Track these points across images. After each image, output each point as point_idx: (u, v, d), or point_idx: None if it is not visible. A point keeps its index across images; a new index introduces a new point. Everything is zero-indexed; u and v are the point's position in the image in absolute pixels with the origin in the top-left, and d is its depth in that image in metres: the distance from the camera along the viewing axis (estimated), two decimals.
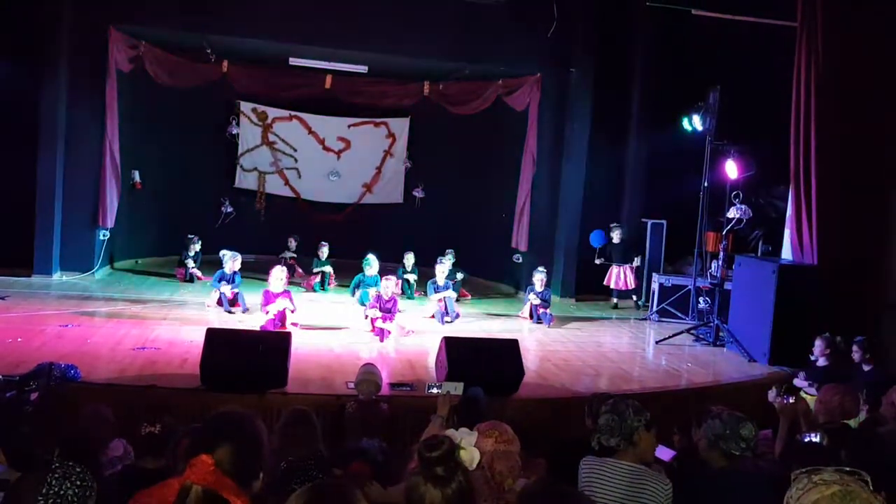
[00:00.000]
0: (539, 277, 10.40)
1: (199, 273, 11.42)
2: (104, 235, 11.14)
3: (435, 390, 3.84)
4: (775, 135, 9.39)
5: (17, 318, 8.04)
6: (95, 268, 10.94)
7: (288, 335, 6.75)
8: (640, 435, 3.54)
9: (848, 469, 1.74)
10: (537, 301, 10.22)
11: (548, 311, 10.14)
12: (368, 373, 5.73)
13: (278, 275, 8.62)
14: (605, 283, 11.62)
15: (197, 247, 11.62)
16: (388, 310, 8.72)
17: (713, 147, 9.64)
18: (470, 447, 2.25)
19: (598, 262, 11.56)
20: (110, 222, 11.14)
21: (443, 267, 10.45)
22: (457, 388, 3.87)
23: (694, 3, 10.59)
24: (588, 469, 3.42)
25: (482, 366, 6.63)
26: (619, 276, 11.46)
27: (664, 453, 4.56)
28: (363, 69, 12.86)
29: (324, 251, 11.86)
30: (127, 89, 11.29)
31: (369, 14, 11.10)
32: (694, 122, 9.88)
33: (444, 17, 11.35)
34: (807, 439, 4.20)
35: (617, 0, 11.65)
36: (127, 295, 9.88)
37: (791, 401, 5.11)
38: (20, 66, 9.94)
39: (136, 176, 12.23)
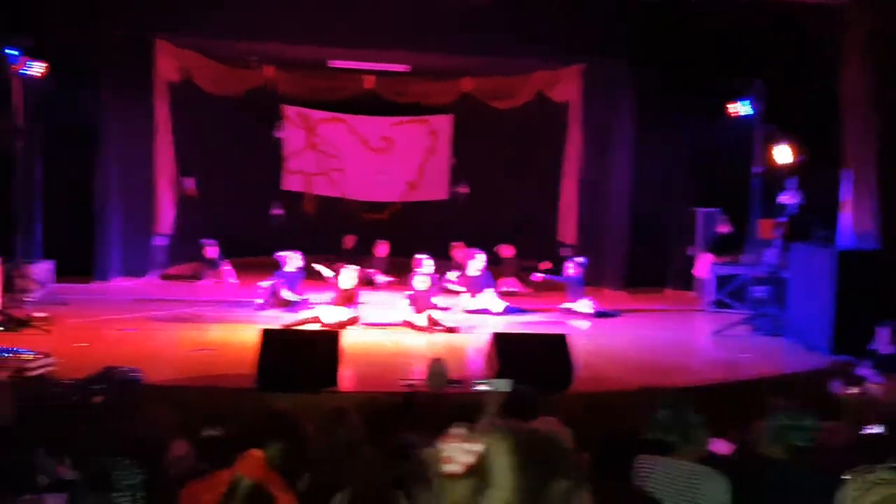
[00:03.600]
0: (569, 265, 10.29)
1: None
2: (160, 241, 11.43)
3: (482, 387, 3.80)
4: (827, 117, 9.11)
5: (78, 323, 8.32)
6: (153, 272, 11.23)
7: (337, 334, 6.82)
8: (697, 433, 3.47)
9: None
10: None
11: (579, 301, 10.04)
12: (438, 366, 5.86)
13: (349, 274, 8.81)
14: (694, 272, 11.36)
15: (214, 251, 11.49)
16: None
17: (762, 133, 9.38)
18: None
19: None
20: (166, 228, 11.44)
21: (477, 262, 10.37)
22: (504, 385, 3.83)
23: None
24: (643, 468, 3.36)
25: (533, 360, 6.61)
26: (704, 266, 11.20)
27: (721, 446, 4.46)
28: (404, 68, 12.93)
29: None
30: (177, 98, 11.55)
31: (407, 12, 11.10)
32: (742, 108, 9.64)
33: (482, 11, 11.28)
34: (867, 431, 4.07)
35: None
36: (182, 298, 10.09)
37: (855, 391, 4.97)
38: (73, 80, 10.20)
39: (190, 183, 12.49)
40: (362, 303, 9.16)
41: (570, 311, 9.99)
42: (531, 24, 11.27)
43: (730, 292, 10.51)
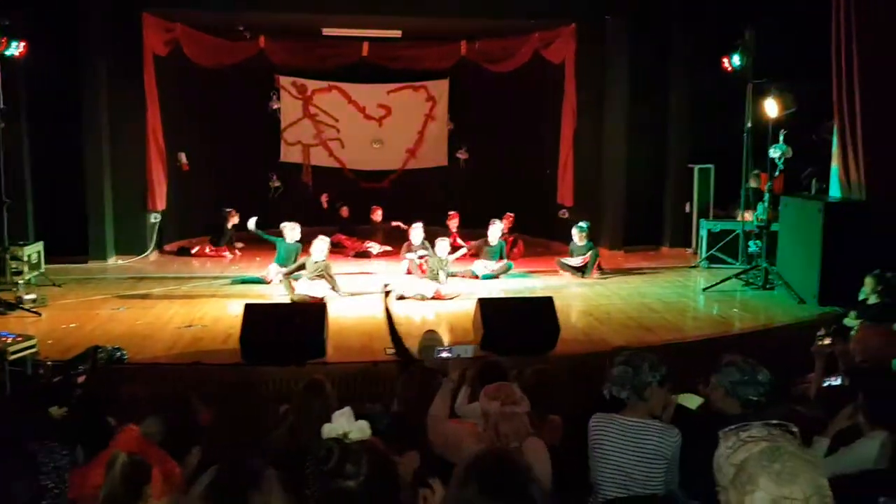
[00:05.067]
0: (576, 232, 10.30)
1: (234, 248, 11.74)
2: (155, 218, 11.51)
3: (445, 354, 3.84)
4: (822, 69, 8.94)
5: (71, 303, 8.40)
6: (149, 250, 11.34)
7: (323, 306, 6.89)
8: (653, 390, 3.49)
9: (776, 422, 1.68)
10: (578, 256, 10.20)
11: (586, 262, 10.10)
12: (431, 339, 5.60)
13: (320, 245, 8.76)
14: None
15: (235, 219, 11.75)
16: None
17: (754, 86, 9.23)
18: (353, 425, 2.22)
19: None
20: (160, 205, 11.50)
21: (494, 229, 10.39)
22: (467, 351, 3.87)
23: None
24: (595, 426, 3.41)
25: (518, 325, 6.66)
26: None
27: (690, 401, 4.49)
28: (397, 34, 12.80)
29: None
30: (166, 72, 11.51)
31: None
32: (734, 61, 9.47)
33: None
34: (827, 383, 4.08)
35: None
36: (178, 274, 10.20)
37: (827, 342, 4.96)
38: (60, 57, 10.20)
39: (183, 158, 12.51)
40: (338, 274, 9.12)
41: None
42: None
43: (722, 248, 10.45)
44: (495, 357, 4.90)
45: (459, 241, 10.94)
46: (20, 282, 8.69)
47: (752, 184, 10.28)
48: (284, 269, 9.17)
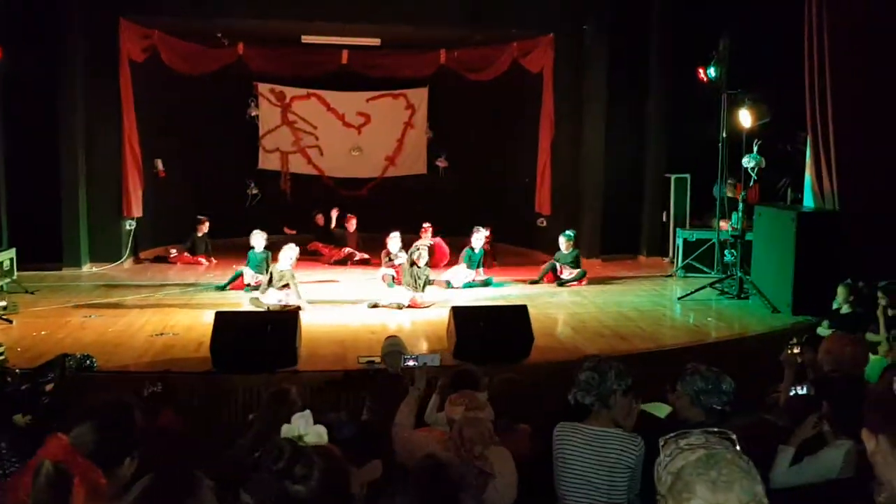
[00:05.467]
0: (562, 241, 10.34)
1: (210, 256, 11.69)
2: (130, 225, 11.40)
3: (411, 363, 3.83)
4: (796, 79, 9.05)
5: (43, 311, 8.28)
6: (124, 257, 11.23)
7: (295, 314, 6.84)
8: (617, 398, 3.49)
9: (716, 430, 1.68)
10: (563, 265, 10.23)
11: (573, 272, 10.13)
12: (393, 345, 5.48)
13: (287, 254, 8.72)
14: None
15: (205, 228, 11.76)
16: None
17: (728, 96, 9.31)
18: (311, 427, 2.22)
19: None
20: (136, 211, 11.39)
21: (479, 236, 10.37)
22: (433, 360, 3.86)
23: None
24: (560, 434, 3.40)
25: (491, 333, 6.65)
26: None
27: (659, 410, 4.50)
28: (376, 42, 12.79)
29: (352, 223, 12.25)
30: (143, 78, 11.42)
31: None
32: (709, 72, 9.56)
33: None
34: (793, 392, 4.10)
35: None
36: (151, 282, 10.09)
37: (796, 351, 4.99)
38: (36, 62, 10.11)
39: (160, 164, 12.42)
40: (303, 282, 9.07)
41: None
42: None
43: (698, 257, 10.52)
44: (468, 365, 4.87)
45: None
46: None
47: (728, 193, 10.36)
48: (258, 276, 9.15)
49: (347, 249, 12.08)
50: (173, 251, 11.85)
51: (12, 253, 9.40)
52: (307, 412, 2.41)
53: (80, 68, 10.66)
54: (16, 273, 9.35)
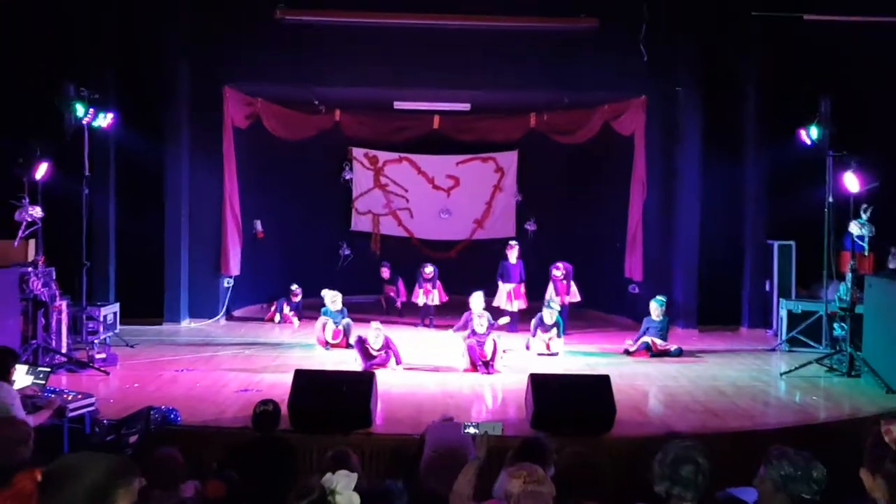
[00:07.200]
0: (654, 306, 9.94)
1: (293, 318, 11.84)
2: (228, 283, 11.84)
3: (472, 430, 3.67)
4: None
5: (139, 364, 8.64)
6: (220, 314, 11.63)
7: (372, 375, 6.80)
8: (698, 481, 3.20)
9: None
10: (653, 333, 9.81)
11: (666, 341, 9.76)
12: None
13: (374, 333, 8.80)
14: None
15: (296, 298, 12.00)
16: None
17: (833, 159, 8.82)
18: (347, 491, 2.12)
19: None
20: (234, 270, 11.83)
21: (550, 311, 10.13)
22: (494, 429, 3.68)
23: (803, 6, 9.86)
24: None
25: (570, 403, 6.37)
26: None
27: (749, 494, 4.13)
28: (466, 107, 13.01)
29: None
30: (243, 143, 12.01)
31: (468, 52, 11.21)
32: (811, 134, 9.11)
33: (541, 47, 11.30)
34: None
35: (719, 11, 11.06)
36: (244, 339, 10.35)
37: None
38: (144, 129, 10.83)
39: (258, 225, 12.91)
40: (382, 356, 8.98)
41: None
42: (588, 57, 11.14)
43: (804, 330, 9.84)
44: (538, 435, 4.64)
45: None
46: (95, 341, 8.99)
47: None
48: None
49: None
50: (267, 310, 12.17)
51: (116, 307, 9.89)
52: (354, 474, 2.37)
53: (187, 135, 11.34)
54: (118, 326, 9.82)
